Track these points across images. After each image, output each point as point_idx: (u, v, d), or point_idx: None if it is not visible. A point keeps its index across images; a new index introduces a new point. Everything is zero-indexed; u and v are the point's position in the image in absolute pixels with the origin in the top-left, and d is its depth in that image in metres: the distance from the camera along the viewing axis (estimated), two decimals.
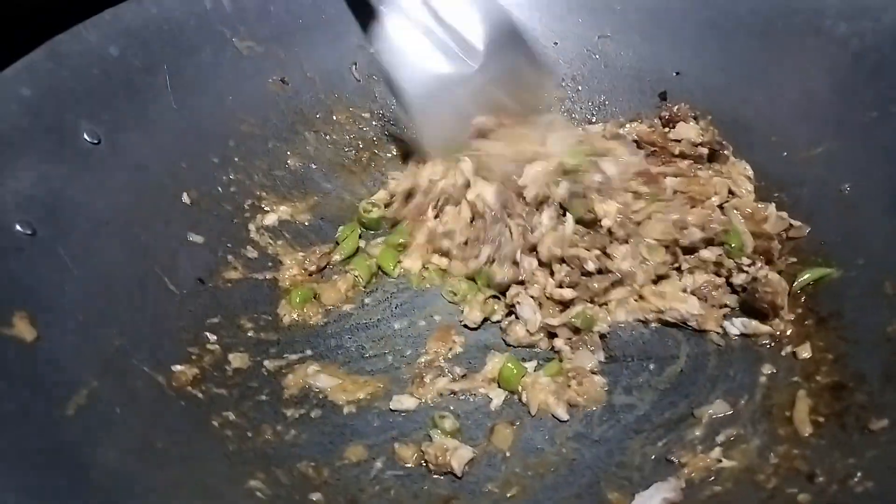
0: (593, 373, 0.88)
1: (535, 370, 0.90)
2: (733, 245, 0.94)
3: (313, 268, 1.01)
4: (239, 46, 1.09)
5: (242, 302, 0.95)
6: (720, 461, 0.76)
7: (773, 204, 1.00)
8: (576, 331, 0.91)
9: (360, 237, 1.06)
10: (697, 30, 1.16)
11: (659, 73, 1.19)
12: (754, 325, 0.90)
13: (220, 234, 0.99)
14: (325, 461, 0.80)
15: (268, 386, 0.87)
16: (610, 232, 0.95)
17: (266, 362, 0.90)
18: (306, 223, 1.08)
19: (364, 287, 1.00)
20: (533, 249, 0.96)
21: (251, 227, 1.03)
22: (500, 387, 0.88)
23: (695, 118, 1.14)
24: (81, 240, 0.84)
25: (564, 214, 0.97)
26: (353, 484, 0.78)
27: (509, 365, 0.88)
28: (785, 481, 0.71)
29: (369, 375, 0.90)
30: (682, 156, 1.06)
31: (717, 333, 0.91)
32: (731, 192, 1.02)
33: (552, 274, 0.95)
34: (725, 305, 0.93)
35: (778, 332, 0.89)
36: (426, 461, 0.80)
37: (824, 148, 1.01)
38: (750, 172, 1.05)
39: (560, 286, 0.93)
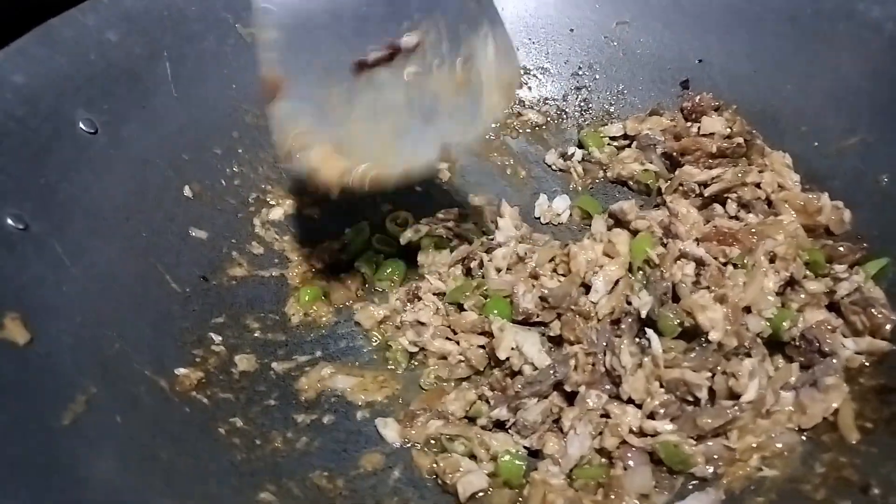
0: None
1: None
2: (814, 260, 0.84)
3: (320, 265, 0.97)
4: (243, 33, 1.04)
5: (248, 301, 0.91)
6: (760, 469, 0.71)
7: (826, 193, 0.93)
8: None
9: (369, 236, 1.01)
10: (721, 15, 1.12)
11: (680, 61, 1.14)
12: (867, 341, 0.78)
13: (223, 230, 0.95)
14: (340, 471, 0.75)
15: (276, 390, 0.83)
16: (720, 345, 0.75)
17: (274, 364, 0.85)
18: (315, 217, 1.03)
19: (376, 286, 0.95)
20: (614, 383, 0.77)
21: (256, 221, 0.98)
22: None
23: (716, 109, 1.09)
24: (78, 235, 0.79)
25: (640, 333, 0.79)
26: (369, 495, 0.73)
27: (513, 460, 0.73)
28: (835, 493, 0.66)
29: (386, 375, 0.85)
30: (721, 154, 0.99)
31: None
32: (778, 185, 0.96)
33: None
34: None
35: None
36: (436, 474, 0.75)
37: (859, 138, 0.96)
38: (789, 160, 1.00)
39: (652, 417, 0.74)
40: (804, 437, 0.73)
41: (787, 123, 1.04)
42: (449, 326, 0.87)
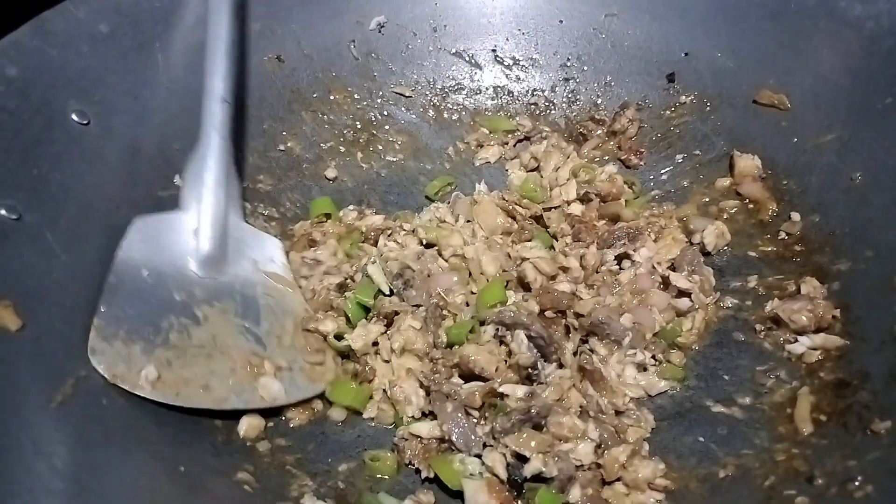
0: None
1: None
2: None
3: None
4: None
5: None
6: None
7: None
8: None
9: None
10: (707, 9, 1.12)
11: (667, 54, 1.15)
12: (822, 337, 0.83)
13: None
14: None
15: None
16: None
17: None
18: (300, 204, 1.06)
19: None
20: None
21: (246, 210, 1.01)
22: None
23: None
24: (69, 225, 0.82)
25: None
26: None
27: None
28: (783, 482, 0.69)
29: None
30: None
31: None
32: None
33: None
34: None
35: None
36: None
37: (835, 135, 0.98)
38: (758, 163, 1.02)
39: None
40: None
41: (767, 118, 1.05)
42: None
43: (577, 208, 1.01)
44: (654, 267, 0.93)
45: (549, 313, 0.86)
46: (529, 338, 0.80)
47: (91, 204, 0.86)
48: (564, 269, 0.91)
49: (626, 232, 0.96)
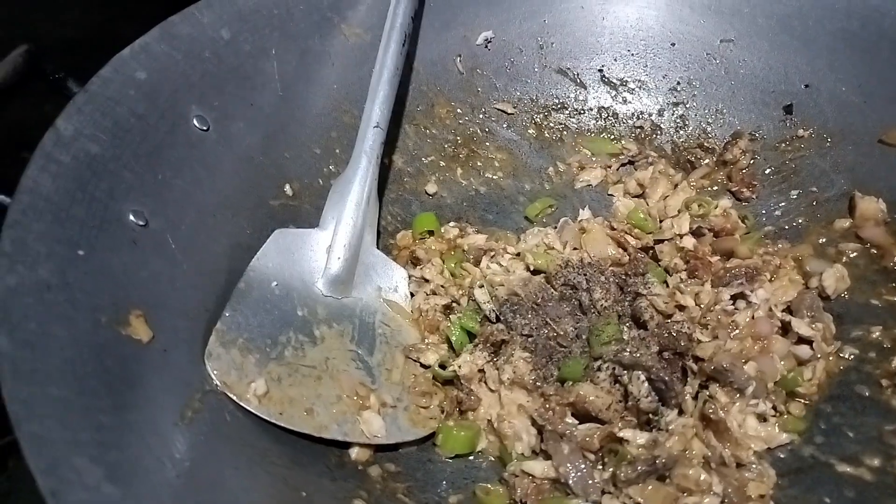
0: None
1: None
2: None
3: None
4: (346, 33, 1.06)
5: None
6: None
7: None
8: None
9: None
10: (833, 40, 1.08)
11: (785, 84, 1.11)
12: None
13: None
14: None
15: None
16: None
17: None
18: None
19: None
20: None
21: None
22: None
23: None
24: (189, 232, 0.82)
25: None
26: None
27: None
28: None
29: None
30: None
31: None
32: None
33: None
34: None
35: None
36: None
37: None
38: (883, 206, 0.98)
39: None
40: None
41: (894, 158, 1.00)
42: None
43: (689, 242, 0.98)
44: (771, 310, 0.89)
45: (666, 354, 0.83)
46: (650, 381, 0.77)
47: (209, 210, 0.86)
48: (681, 308, 0.88)
49: (745, 271, 0.92)
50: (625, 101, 1.19)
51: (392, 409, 0.81)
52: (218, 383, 0.72)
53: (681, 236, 0.98)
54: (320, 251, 0.87)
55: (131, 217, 0.76)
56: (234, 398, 0.72)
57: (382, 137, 0.92)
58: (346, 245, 0.87)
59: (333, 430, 0.76)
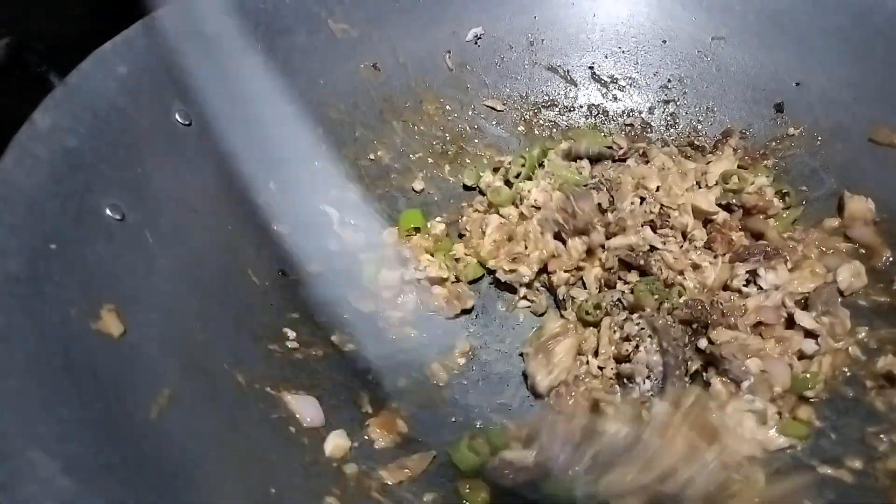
0: None
1: None
2: None
3: None
4: (333, 28, 1.05)
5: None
6: None
7: None
8: None
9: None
10: (825, 38, 1.06)
11: (776, 83, 1.10)
12: None
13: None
14: None
15: None
16: None
17: None
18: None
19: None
20: None
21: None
22: None
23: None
24: (169, 227, 0.82)
25: None
26: None
27: None
28: None
29: None
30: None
31: None
32: None
33: None
34: None
35: None
36: None
37: None
38: (871, 205, 0.96)
39: None
40: None
41: (884, 157, 0.99)
42: None
43: (721, 216, 0.97)
44: (783, 301, 0.88)
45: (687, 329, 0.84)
46: (662, 351, 0.77)
47: (189, 206, 0.86)
48: (695, 267, 0.90)
49: (764, 248, 0.91)
50: (615, 99, 1.18)
51: None
52: None
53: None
54: None
55: (108, 211, 0.76)
56: None
57: None
58: None
59: None
